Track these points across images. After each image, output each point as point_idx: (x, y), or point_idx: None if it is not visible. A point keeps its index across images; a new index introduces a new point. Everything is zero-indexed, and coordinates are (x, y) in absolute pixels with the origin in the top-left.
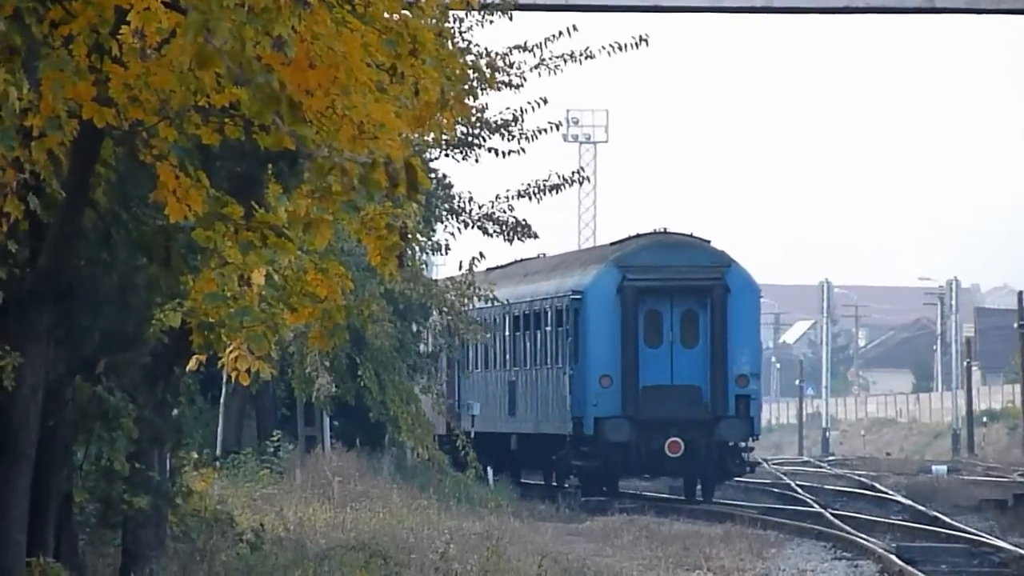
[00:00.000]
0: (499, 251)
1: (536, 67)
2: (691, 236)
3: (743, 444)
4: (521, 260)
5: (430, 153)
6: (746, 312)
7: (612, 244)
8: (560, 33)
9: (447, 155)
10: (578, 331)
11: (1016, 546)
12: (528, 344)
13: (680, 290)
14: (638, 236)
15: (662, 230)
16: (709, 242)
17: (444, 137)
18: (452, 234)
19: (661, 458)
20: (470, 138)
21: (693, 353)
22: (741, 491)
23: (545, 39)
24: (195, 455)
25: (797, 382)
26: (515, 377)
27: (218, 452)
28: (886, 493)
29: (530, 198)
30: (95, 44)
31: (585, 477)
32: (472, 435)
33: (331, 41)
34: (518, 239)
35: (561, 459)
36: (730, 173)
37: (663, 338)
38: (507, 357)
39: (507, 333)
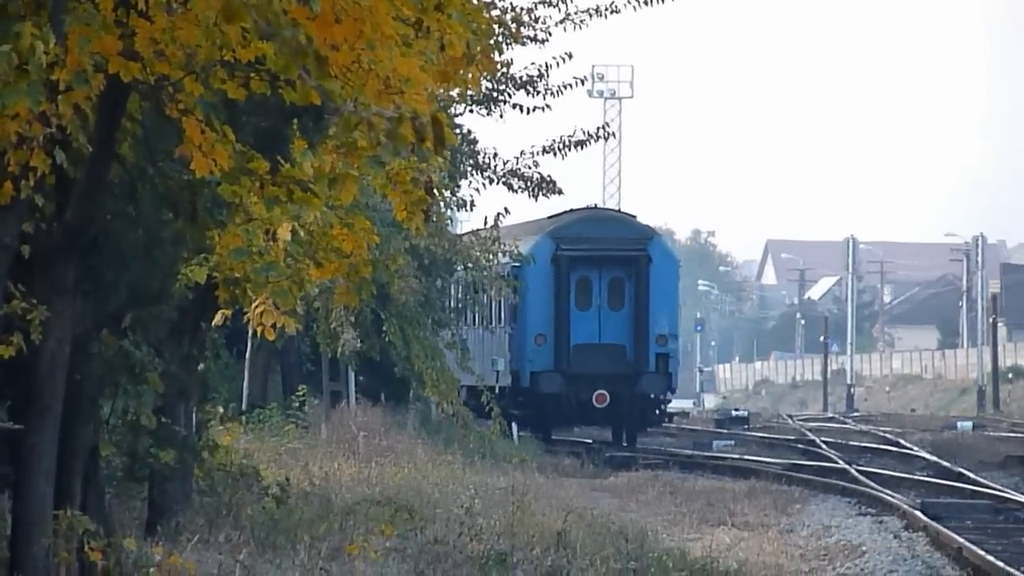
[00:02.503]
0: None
1: (561, 22)
2: (619, 211)
3: (662, 396)
4: (475, 230)
5: (455, 109)
6: (666, 280)
7: (549, 218)
8: None
9: (472, 111)
10: (517, 295)
11: None
12: (476, 306)
13: (608, 259)
14: (571, 211)
15: (593, 206)
16: (635, 217)
17: (469, 92)
18: (477, 190)
19: (589, 408)
20: (495, 94)
21: (619, 315)
22: (765, 447)
23: None
24: (221, 409)
25: (822, 338)
26: (466, 335)
27: (244, 407)
28: (911, 449)
29: (555, 154)
30: None
31: (522, 424)
32: None
33: None
34: (543, 195)
35: (502, 408)
36: (755, 128)
37: (592, 302)
38: (459, 318)
39: (459, 296)
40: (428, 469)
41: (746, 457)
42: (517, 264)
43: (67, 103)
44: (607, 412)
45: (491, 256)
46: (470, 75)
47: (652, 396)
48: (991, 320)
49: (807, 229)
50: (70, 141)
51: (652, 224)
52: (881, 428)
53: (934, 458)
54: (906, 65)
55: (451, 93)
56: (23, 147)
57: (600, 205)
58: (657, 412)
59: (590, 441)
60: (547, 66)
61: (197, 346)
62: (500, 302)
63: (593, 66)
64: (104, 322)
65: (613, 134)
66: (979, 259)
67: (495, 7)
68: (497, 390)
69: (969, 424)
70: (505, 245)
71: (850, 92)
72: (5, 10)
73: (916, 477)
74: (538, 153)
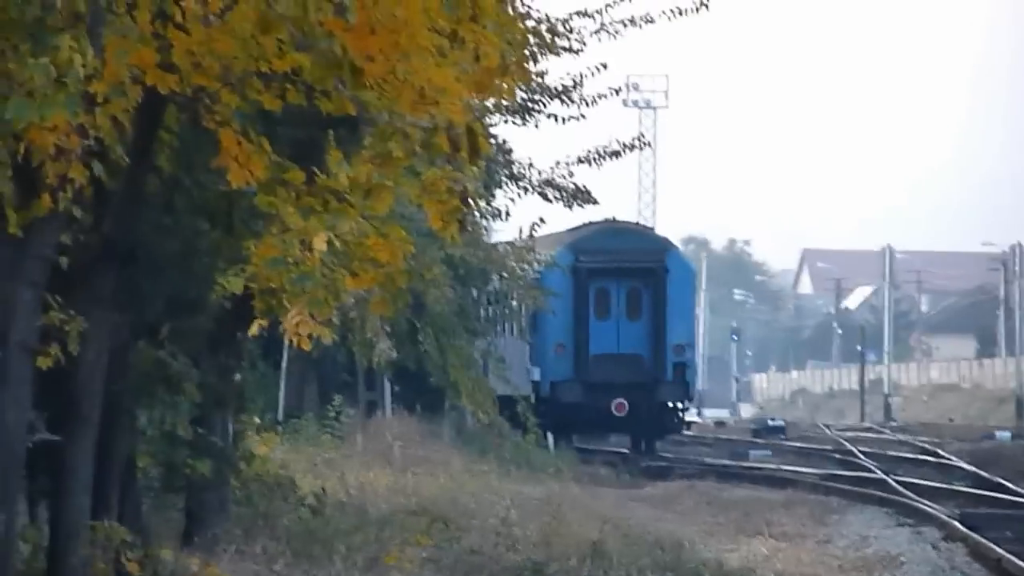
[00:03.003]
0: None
1: (596, 32)
2: (636, 224)
3: (680, 405)
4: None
5: (490, 119)
6: (683, 290)
7: (568, 230)
8: None
9: (507, 121)
10: (535, 304)
11: None
12: (498, 316)
13: (626, 271)
14: (590, 223)
15: (611, 218)
16: (652, 229)
17: (504, 102)
18: (512, 200)
19: (608, 417)
20: (530, 103)
21: (637, 326)
22: (802, 457)
23: (606, 4)
24: (257, 420)
25: (859, 348)
26: (488, 345)
27: (280, 417)
28: (949, 459)
29: (590, 163)
30: (158, 10)
31: (543, 432)
32: None
33: (392, 6)
34: (578, 204)
35: (523, 416)
36: (790, 137)
37: (611, 312)
38: (493, 327)
39: (489, 305)
40: (464, 479)
41: (783, 467)
42: (536, 276)
43: (105, 115)
44: (626, 421)
45: (526, 266)
46: (505, 85)
47: (670, 404)
48: None
49: (843, 238)
50: (108, 153)
51: (690, 234)
52: (919, 438)
53: (972, 468)
54: (943, 72)
55: (486, 103)
56: (61, 159)
57: (620, 218)
58: (675, 420)
59: (624, 451)
60: (582, 76)
61: (233, 356)
62: (521, 312)
63: (628, 76)
64: (141, 333)
65: (648, 144)
66: (1017, 268)
67: (530, 18)
68: (524, 399)
69: (1008, 434)
70: (539, 255)
71: (887, 101)
72: (43, 23)
73: (954, 487)
74: (573, 163)
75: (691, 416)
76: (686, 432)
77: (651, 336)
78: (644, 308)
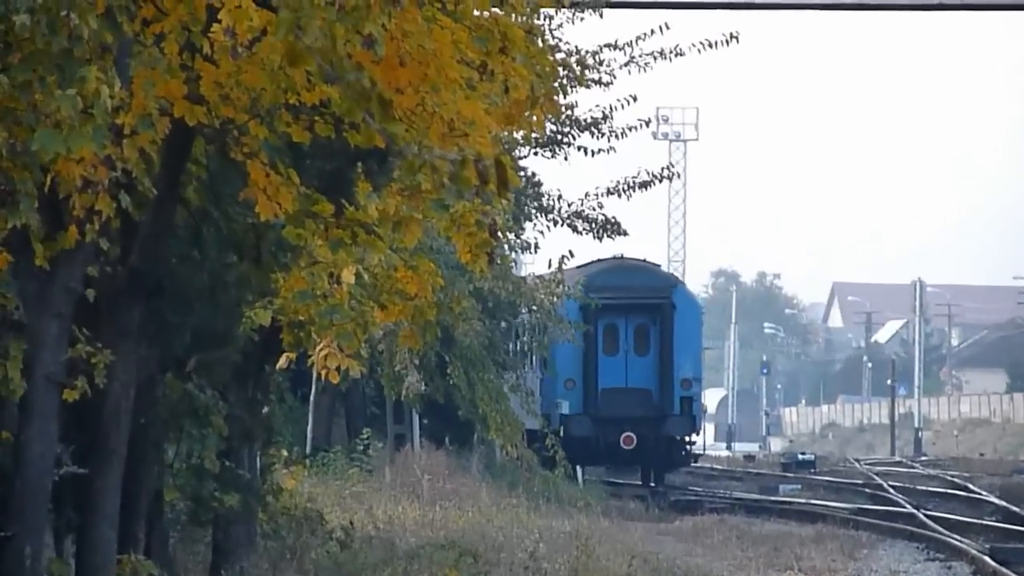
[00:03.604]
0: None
1: (626, 64)
2: (644, 261)
3: (687, 438)
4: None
5: (519, 151)
6: (689, 326)
7: (578, 267)
8: (651, 31)
9: (536, 153)
10: (547, 340)
11: None
12: (526, 349)
13: (634, 307)
14: (600, 260)
15: (620, 256)
16: (659, 266)
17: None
18: (541, 232)
19: (617, 450)
20: (559, 136)
21: (644, 361)
22: (832, 491)
23: (636, 37)
24: (285, 453)
25: (889, 382)
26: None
27: (308, 450)
28: (979, 494)
29: (619, 195)
30: (186, 42)
31: (546, 465)
32: None
33: (421, 39)
34: (608, 236)
35: (535, 451)
36: (821, 171)
37: (619, 347)
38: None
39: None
40: (492, 513)
41: (813, 501)
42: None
43: (132, 147)
44: (634, 453)
45: (555, 299)
46: (534, 118)
47: (677, 438)
48: None
49: (873, 272)
50: (135, 185)
51: (720, 267)
52: (949, 472)
53: (1003, 503)
54: (974, 106)
55: (515, 136)
56: (88, 191)
57: (626, 255)
58: (683, 453)
59: (652, 484)
60: (611, 108)
61: (261, 389)
62: (532, 347)
63: (658, 108)
64: (169, 365)
65: (678, 175)
66: None
67: (560, 50)
68: (554, 433)
69: None
70: (569, 288)
71: (916, 135)
72: (71, 54)
73: (985, 522)
74: (602, 195)
75: (718, 451)
76: (694, 464)
77: (659, 371)
78: (651, 343)
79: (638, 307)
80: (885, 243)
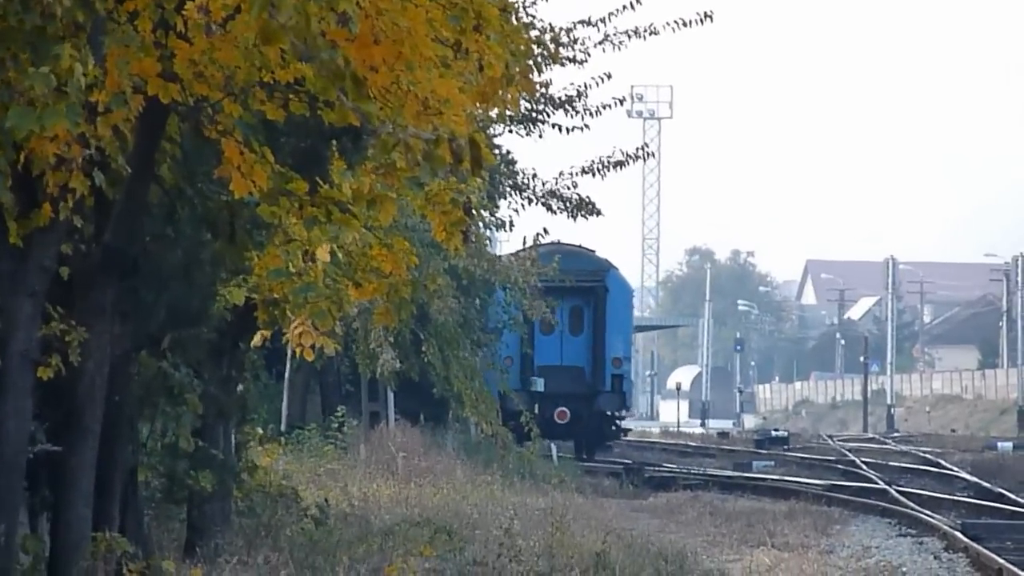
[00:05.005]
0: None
1: (600, 42)
2: (580, 247)
3: (617, 414)
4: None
5: (494, 129)
6: (621, 308)
7: (517, 252)
8: (624, 7)
9: (511, 131)
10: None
11: None
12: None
13: (569, 290)
14: (538, 246)
15: (557, 241)
16: (594, 251)
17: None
18: (516, 210)
19: (552, 424)
20: (534, 114)
21: (578, 340)
22: (805, 468)
23: (609, 14)
24: (260, 430)
25: (862, 359)
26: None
27: (283, 427)
28: (951, 470)
29: (594, 174)
30: (160, 20)
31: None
32: None
33: (396, 16)
34: (582, 216)
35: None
36: (794, 149)
37: (555, 328)
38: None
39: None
40: (467, 490)
41: (786, 478)
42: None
43: (106, 125)
44: (568, 428)
45: (530, 277)
46: (509, 96)
47: (608, 413)
48: None
49: (847, 249)
50: (109, 163)
51: (694, 245)
52: (921, 448)
53: (974, 478)
54: (947, 83)
55: (490, 114)
56: (62, 168)
57: (564, 240)
58: (613, 428)
59: (628, 462)
60: (586, 86)
61: (236, 367)
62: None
63: (632, 86)
64: (143, 343)
65: (652, 154)
66: (1019, 279)
67: (534, 28)
68: (528, 410)
69: (1009, 444)
70: (542, 266)
71: (890, 112)
72: (44, 32)
73: (956, 498)
74: (577, 174)
75: (692, 427)
76: (624, 438)
77: (591, 350)
78: (585, 324)
79: (573, 290)
80: (858, 221)
